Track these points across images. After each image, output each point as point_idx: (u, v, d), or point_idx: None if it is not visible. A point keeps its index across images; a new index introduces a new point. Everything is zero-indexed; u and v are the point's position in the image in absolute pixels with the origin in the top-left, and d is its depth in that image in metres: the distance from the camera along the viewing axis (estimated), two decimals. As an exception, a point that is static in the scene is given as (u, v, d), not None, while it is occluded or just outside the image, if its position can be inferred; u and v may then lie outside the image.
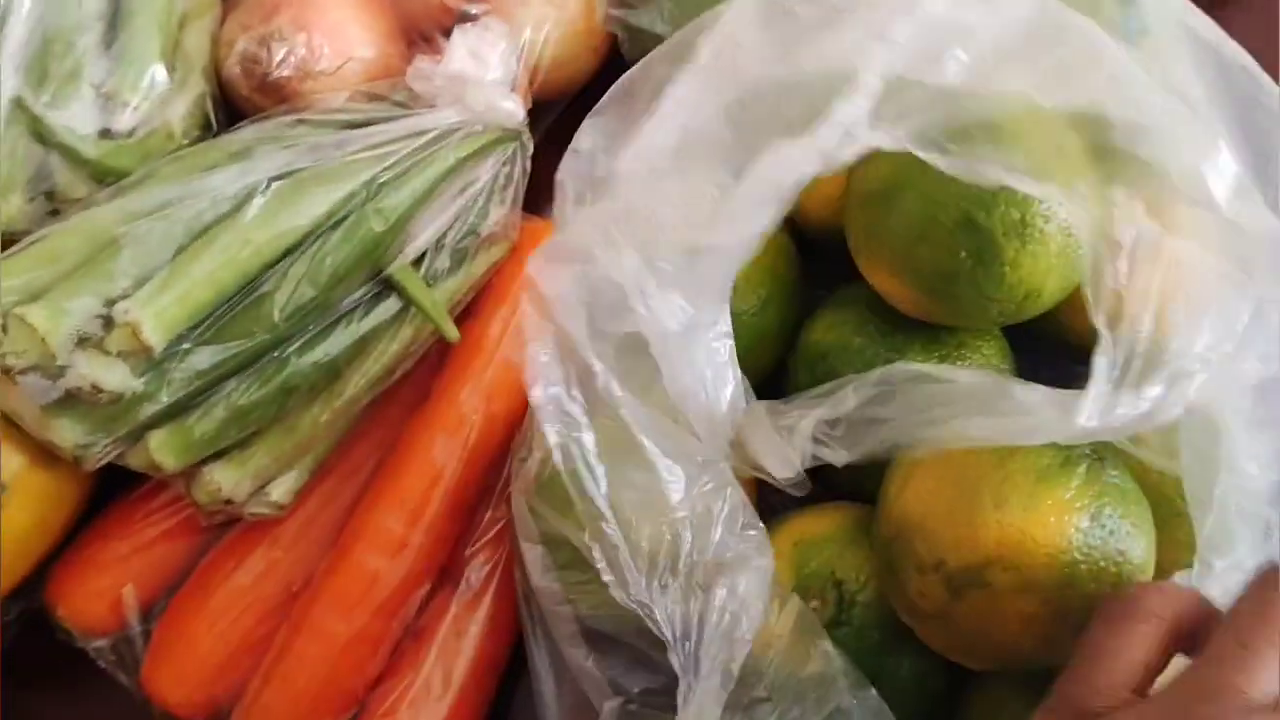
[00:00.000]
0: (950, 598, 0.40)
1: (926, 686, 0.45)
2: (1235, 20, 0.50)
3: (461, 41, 0.52)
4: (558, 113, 0.62)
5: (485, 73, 0.52)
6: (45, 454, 0.50)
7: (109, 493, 0.56)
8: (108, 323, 0.47)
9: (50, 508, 0.52)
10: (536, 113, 0.60)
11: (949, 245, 0.43)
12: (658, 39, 0.59)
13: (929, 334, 0.49)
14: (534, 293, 0.46)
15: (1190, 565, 0.40)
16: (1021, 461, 0.41)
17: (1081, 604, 0.39)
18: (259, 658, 0.54)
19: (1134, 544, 0.40)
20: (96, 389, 0.47)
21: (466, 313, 0.56)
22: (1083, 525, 0.40)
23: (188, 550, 0.56)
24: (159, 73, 0.53)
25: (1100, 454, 0.42)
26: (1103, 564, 0.39)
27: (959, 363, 0.49)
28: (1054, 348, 0.49)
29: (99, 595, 0.55)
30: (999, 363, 0.50)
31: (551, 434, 0.44)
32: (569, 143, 0.53)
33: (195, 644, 0.54)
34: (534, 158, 0.58)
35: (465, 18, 0.57)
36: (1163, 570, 0.42)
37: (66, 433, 0.48)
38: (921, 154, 0.40)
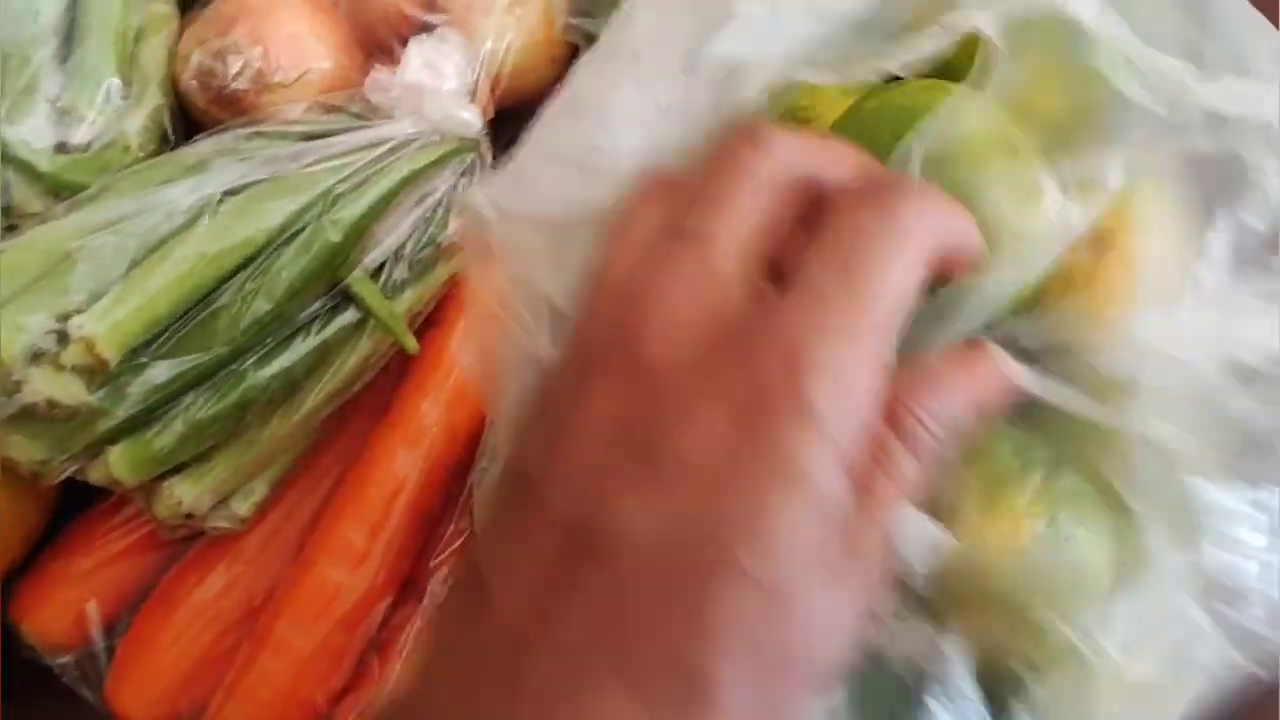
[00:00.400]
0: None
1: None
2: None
3: (417, 53, 0.52)
4: (521, 122, 0.62)
5: (441, 83, 0.52)
6: (4, 470, 0.50)
7: (72, 507, 0.56)
8: (62, 338, 0.47)
9: (10, 524, 0.52)
10: (500, 122, 0.60)
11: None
12: (619, 47, 0.59)
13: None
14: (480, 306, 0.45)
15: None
16: (977, 468, 0.41)
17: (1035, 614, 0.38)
18: (223, 672, 0.53)
19: (1092, 551, 0.40)
20: (52, 404, 0.47)
21: (428, 323, 0.56)
22: (1038, 532, 0.39)
23: (151, 565, 0.55)
24: (115, 86, 0.53)
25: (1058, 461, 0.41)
26: (1059, 572, 0.39)
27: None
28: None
29: (62, 611, 0.54)
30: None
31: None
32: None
33: (159, 659, 0.54)
34: (496, 167, 0.58)
35: (424, 28, 0.57)
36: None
37: (23, 449, 0.48)
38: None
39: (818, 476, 0.25)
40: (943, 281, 0.30)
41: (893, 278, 0.26)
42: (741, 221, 0.27)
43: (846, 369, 0.25)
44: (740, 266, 0.27)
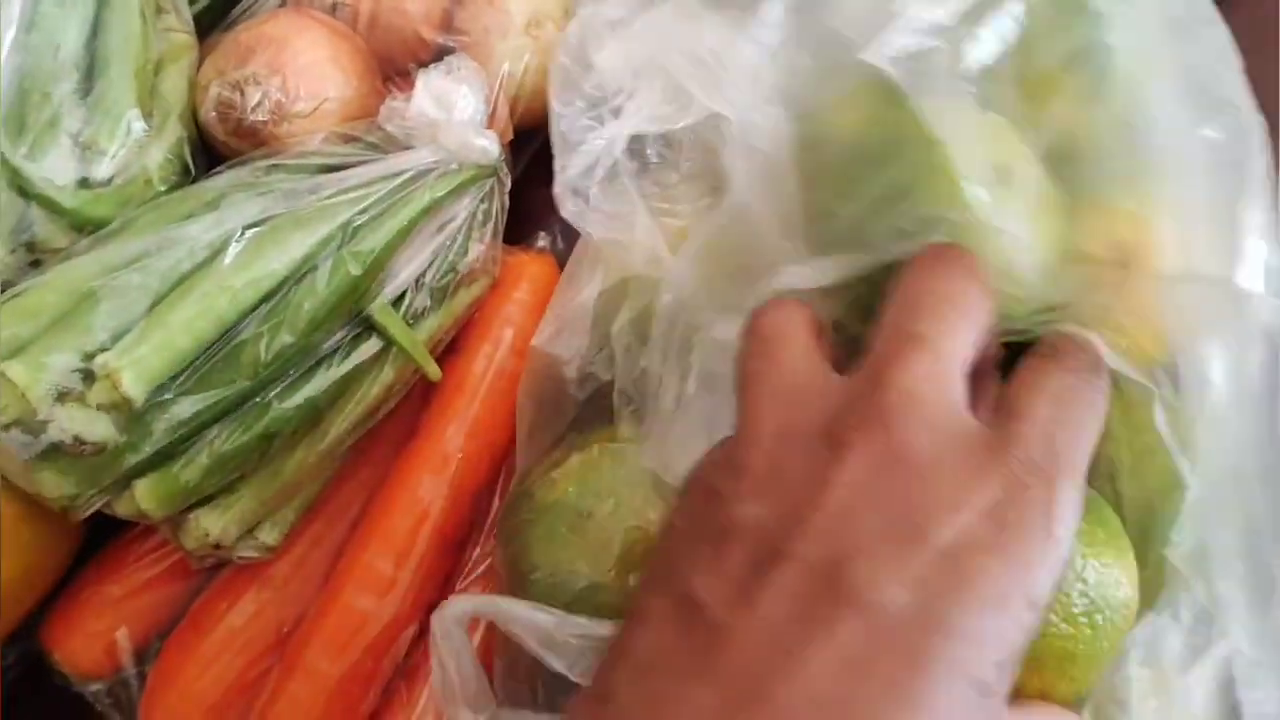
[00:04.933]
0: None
1: None
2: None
3: (424, 86, 0.52)
4: (540, 142, 0.62)
5: (451, 115, 0.51)
6: (33, 505, 0.50)
7: (101, 536, 0.56)
8: (88, 376, 0.47)
9: (41, 557, 0.53)
10: (519, 142, 0.60)
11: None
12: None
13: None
14: None
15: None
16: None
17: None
18: (252, 699, 0.54)
19: (1114, 587, 0.39)
20: (79, 442, 0.47)
21: (450, 349, 0.56)
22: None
23: (180, 592, 0.56)
24: (136, 119, 0.53)
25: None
26: (1079, 612, 0.39)
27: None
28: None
29: (94, 639, 0.55)
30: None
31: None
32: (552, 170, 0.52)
33: (189, 686, 0.54)
34: (517, 187, 0.58)
35: (443, 51, 0.57)
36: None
37: (52, 485, 0.48)
38: None
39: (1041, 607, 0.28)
40: None
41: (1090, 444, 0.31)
42: (965, 337, 0.31)
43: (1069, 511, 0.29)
44: (961, 379, 0.30)
